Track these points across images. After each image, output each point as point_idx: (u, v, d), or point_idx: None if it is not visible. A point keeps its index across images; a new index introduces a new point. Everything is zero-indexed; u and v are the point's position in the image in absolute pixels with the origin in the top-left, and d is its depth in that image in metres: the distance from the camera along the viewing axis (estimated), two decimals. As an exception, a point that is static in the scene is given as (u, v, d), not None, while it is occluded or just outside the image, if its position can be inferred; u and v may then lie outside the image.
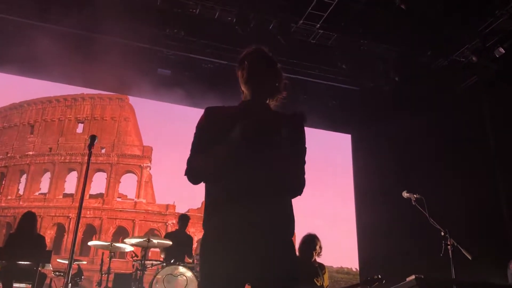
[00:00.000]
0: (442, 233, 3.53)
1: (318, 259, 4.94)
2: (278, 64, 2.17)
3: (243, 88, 2.16)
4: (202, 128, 2.04)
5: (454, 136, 7.49)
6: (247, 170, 1.86)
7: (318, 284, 4.61)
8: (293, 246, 1.95)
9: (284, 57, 7.33)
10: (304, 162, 2.00)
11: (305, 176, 1.99)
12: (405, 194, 3.88)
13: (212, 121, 2.02)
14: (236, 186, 1.87)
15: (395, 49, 7.38)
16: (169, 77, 7.76)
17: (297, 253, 4.40)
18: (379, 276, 3.97)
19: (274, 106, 2.14)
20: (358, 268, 9.47)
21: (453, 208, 6.32)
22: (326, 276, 4.80)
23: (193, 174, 1.95)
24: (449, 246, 3.45)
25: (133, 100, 36.28)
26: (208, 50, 7.37)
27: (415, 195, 3.80)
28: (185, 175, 1.95)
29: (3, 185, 33.84)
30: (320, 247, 4.83)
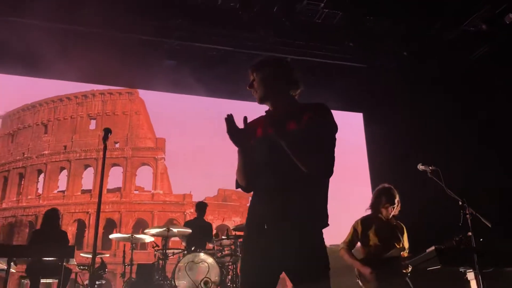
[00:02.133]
0: (460, 203, 3.50)
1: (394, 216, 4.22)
2: (284, 62, 2.39)
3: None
4: None
5: (467, 108, 7.42)
6: (271, 169, 2.12)
7: (399, 247, 4.00)
8: (321, 234, 2.14)
9: (290, 39, 7.29)
10: (331, 145, 2.13)
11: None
12: (420, 167, 3.84)
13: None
14: (264, 185, 2.13)
15: (403, 23, 7.28)
16: (176, 67, 7.78)
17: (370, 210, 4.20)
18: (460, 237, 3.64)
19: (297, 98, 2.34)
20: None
21: (470, 178, 6.31)
22: (405, 237, 4.18)
23: (240, 187, 2.27)
24: (467, 215, 3.43)
25: (142, 93, 36.48)
26: (213, 37, 7.36)
27: (430, 167, 3.77)
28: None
29: (22, 186, 34.46)
30: (399, 202, 4.14)
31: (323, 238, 2.14)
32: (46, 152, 34.74)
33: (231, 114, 2.15)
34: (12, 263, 5.58)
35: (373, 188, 8.93)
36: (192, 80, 7.72)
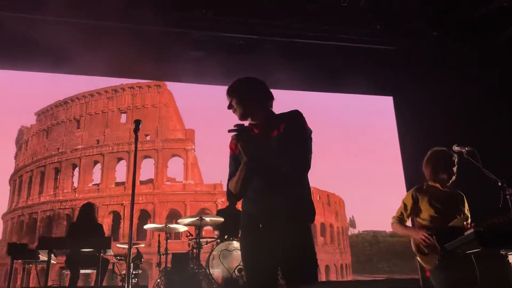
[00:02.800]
0: (499, 184, 3.35)
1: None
2: (255, 79, 2.58)
3: None
4: (230, 157, 2.54)
5: (499, 87, 7.20)
6: (261, 174, 2.33)
7: (460, 217, 3.61)
8: (308, 228, 2.38)
9: (315, 23, 7.19)
10: (305, 145, 2.39)
11: (308, 160, 2.39)
12: (455, 148, 3.65)
13: (237, 149, 2.43)
14: (255, 189, 2.37)
15: (431, 2, 7.07)
16: (203, 58, 7.80)
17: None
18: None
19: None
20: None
21: (508, 158, 6.12)
22: (466, 206, 3.76)
23: (231, 197, 2.50)
24: (508, 196, 3.28)
25: (170, 85, 36.84)
26: (238, 26, 7.33)
27: (466, 148, 3.60)
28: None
29: (58, 180, 35.52)
30: (455, 166, 3.67)
31: (311, 233, 2.40)
32: (79, 146, 35.64)
33: (243, 124, 2.35)
34: (52, 255, 5.79)
35: (405, 171, 8.82)
36: (219, 70, 7.73)
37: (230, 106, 2.49)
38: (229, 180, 2.49)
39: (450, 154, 3.72)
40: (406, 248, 3.88)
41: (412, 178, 8.41)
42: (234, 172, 2.44)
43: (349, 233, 44.16)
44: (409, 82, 8.44)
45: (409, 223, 3.91)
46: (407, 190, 8.31)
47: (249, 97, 2.47)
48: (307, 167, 2.37)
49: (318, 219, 39.66)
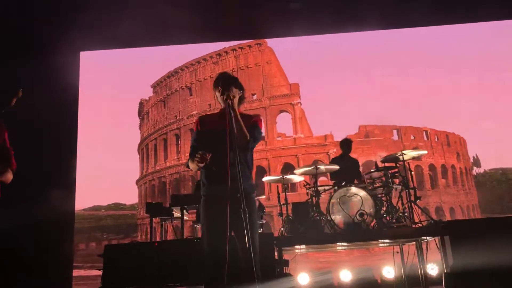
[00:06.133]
0: None
1: None
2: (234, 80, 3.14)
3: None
4: (195, 134, 3.18)
5: None
6: (227, 155, 2.79)
7: None
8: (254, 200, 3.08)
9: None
10: (258, 135, 3.13)
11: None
12: None
13: (202, 127, 3.15)
14: (220, 167, 2.84)
15: None
16: (301, 10, 7.68)
17: None
18: None
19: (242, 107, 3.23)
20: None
21: None
22: None
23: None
24: None
25: (270, 42, 36.87)
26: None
27: None
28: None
29: (179, 145, 38.24)
30: None
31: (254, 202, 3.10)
32: (194, 112, 37.71)
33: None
34: (184, 211, 6.37)
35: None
36: (318, 20, 7.59)
37: (229, 91, 2.99)
38: (191, 152, 3.08)
39: None
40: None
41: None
42: (195, 148, 3.06)
43: (474, 173, 41.43)
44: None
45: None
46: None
47: (242, 93, 3.15)
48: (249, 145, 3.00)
49: (438, 161, 37.74)
